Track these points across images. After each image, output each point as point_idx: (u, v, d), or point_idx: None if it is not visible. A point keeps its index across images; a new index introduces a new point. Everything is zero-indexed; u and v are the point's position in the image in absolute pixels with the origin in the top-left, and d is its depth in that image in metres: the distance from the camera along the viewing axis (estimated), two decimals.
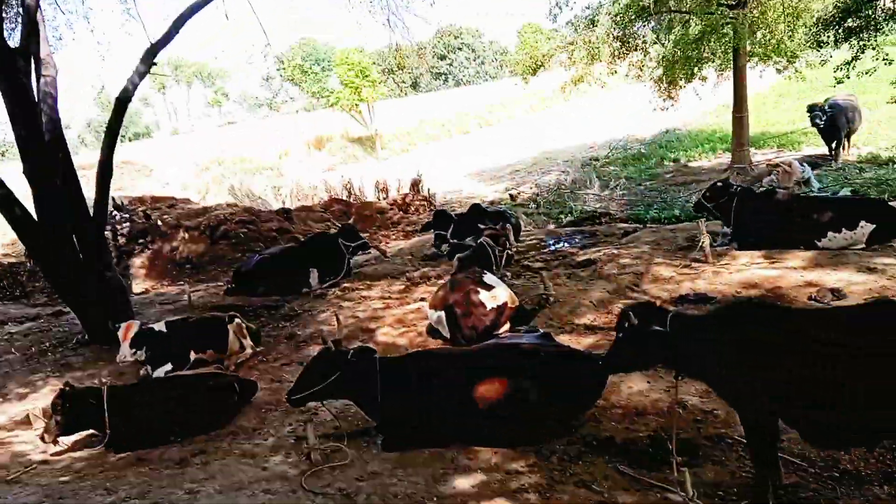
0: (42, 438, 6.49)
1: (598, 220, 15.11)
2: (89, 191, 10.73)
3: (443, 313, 8.61)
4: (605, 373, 5.86)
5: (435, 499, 5.09)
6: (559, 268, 10.68)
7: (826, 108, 16.82)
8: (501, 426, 5.83)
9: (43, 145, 10.05)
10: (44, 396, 8.75)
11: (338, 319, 6.50)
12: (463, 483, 5.35)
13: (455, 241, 12.51)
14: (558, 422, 5.95)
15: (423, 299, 10.61)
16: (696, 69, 18.47)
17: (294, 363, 9.04)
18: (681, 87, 19.72)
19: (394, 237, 17.89)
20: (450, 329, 8.51)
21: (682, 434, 5.66)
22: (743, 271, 8.96)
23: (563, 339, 8.02)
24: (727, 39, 16.98)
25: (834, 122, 16.87)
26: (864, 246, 8.90)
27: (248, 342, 9.55)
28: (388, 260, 13.70)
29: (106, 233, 12.17)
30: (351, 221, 15.60)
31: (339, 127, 44.89)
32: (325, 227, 18.35)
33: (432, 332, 9.15)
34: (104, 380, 8.91)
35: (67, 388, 6.60)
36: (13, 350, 10.66)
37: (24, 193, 10.33)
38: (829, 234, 8.92)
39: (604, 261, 10.42)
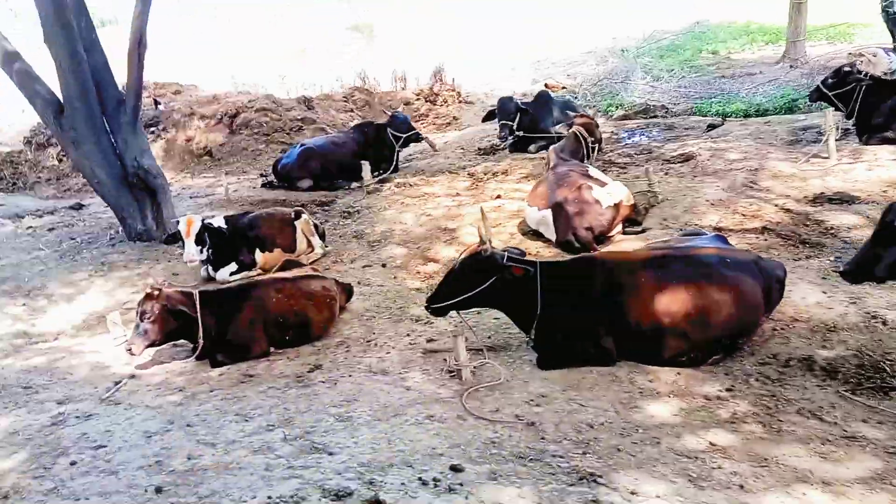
0: (129, 351, 5.53)
1: (654, 114, 13.95)
2: None
3: (548, 212, 7.62)
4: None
5: (639, 430, 4.26)
6: (650, 163, 9.63)
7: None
8: (681, 342, 4.96)
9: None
10: (95, 298, 7.78)
11: (483, 214, 5.43)
12: (660, 411, 4.52)
13: (522, 132, 11.33)
14: (731, 337, 5.10)
15: (498, 196, 9.60)
16: None
17: (374, 264, 8.08)
18: None
19: (425, 129, 16.60)
20: (558, 230, 7.55)
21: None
22: (876, 168, 8.01)
23: None
24: None
25: None
26: None
27: (316, 240, 8.53)
28: (437, 153, 12.53)
29: None
30: (399, 109, 14.17)
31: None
32: (349, 117, 17.02)
33: (529, 233, 8.20)
34: (161, 280, 7.90)
35: (156, 291, 5.59)
36: (41, 246, 9.53)
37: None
38: None
39: (703, 156, 9.39)
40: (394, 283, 7.49)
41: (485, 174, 10.85)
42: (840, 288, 5.82)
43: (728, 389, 4.74)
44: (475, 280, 5.10)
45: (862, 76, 8.81)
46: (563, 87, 17.83)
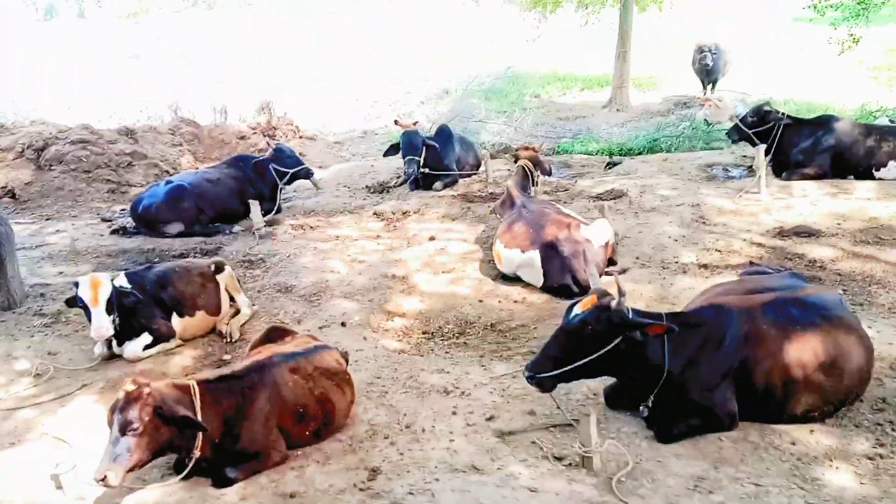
0: (103, 482, 3.65)
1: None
2: None
3: (535, 254, 6.83)
4: None
5: None
6: (576, 201, 9.25)
7: (712, 49, 17.13)
8: (816, 396, 4.40)
9: None
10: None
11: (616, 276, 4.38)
12: (842, 481, 3.91)
13: (427, 169, 10.41)
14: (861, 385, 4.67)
15: (432, 238, 8.60)
16: None
17: (330, 324, 6.63)
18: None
19: None
20: (549, 273, 6.78)
21: None
22: (818, 202, 8.34)
23: (689, 282, 6.76)
24: None
25: (715, 63, 17.29)
26: None
27: (243, 298, 6.87)
28: (321, 191, 11.15)
29: None
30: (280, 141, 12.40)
31: None
32: (178, 151, 14.85)
33: (498, 277, 7.32)
34: (141, 370, 5.80)
35: (144, 387, 3.80)
36: None
37: None
38: (891, 163, 8.64)
39: (633, 192, 9.21)
40: (371, 347, 6.15)
41: (393, 213, 9.76)
42: (879, 321, 5.70)
43: (879, 444, 4.24)
44: (596, 341, 4.11)
45: (780, 115, 9.18)
46: (415, 123, 17.16)
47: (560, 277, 6.68)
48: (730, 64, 18.30)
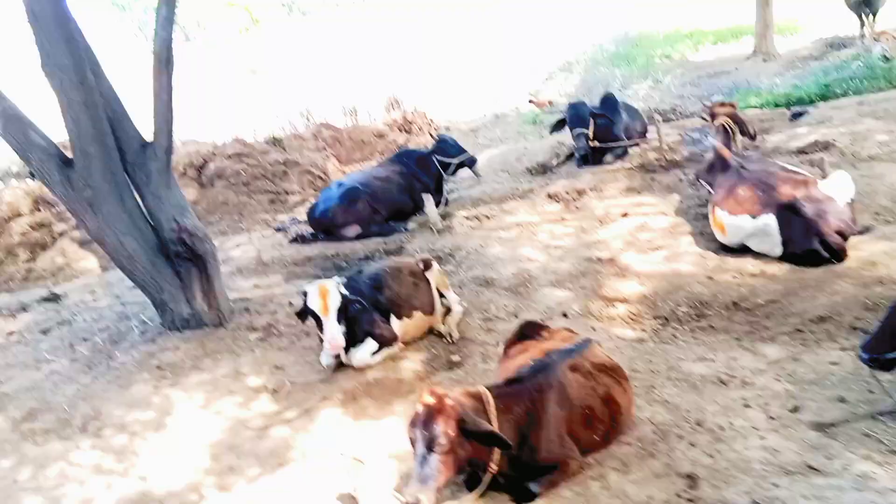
0: None
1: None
2: None
3: (771, 218, 6.11)
4: None
5: None
6: (777, 159, 8.38)
7: None
8: None
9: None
10: (193, 419, 5.40)
11: None
12: None
13: (596, 142, 9.81)
14: None
15: (625, 214, 8.02)
16: None
17: (551, 316, 6.20)
18: None
19: None
20: (791, 239, 6.06)
21: None
22: None
23: None
24: None
25: None
26: None
27: (452, 295, 6.55)
28: (481, 178, 10.78)
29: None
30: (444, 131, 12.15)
31: None
32: (323, 156, 14.91)
33: (724, 250, 6.65)
34: (270, 382, 5.70)
35: (446, 399, 3.49)
36: (48, 356, 6.89)
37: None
38: None
39: (842, 141, 8.26)
40: (606, 338, 5.67)
41: (568, 193, 9.24)
42: None
43: None
44: None
45: None
46: (550, 102, 16.58)
47: (804, 243, 5.96)
48: None
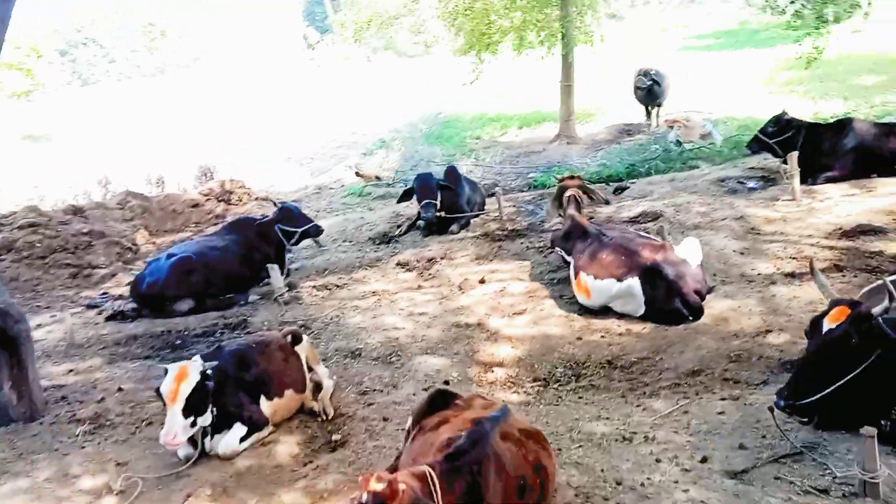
0: None
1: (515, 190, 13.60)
2: None
3: (634, 281, 6.42)
4: None
5: None
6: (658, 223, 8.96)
7: (654, 73, 17.54)
8: None
9: None
10: None
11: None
12: None
13: (443, 212, 9.88)
14: None
15: (482, 281, 8.06)
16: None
17: (434, 383, 5.93)
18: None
19: None
20: (654, 299, 6.37)
21: None
22: (856, 202, 8.43)
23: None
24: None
25: (660, 87, 17.72)
26: None
27: (322, 369, 6.07)
28: (323, 248, 10.39)
29: None
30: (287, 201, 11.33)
31: None
32: (131, 227, 13.68)
33: (586, 312, 6.85)
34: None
35: (394, 485, 3.04)
36: None
37: None
38: None
39: (668, 212, 9.04)
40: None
41: (418, 262, 9.17)
42: None
43: None
44: (855, 357, 3.71)
45: (802, 123, 9.29)
46: (377, 178, 16.64)
47: (667, 303, 6.29)
48: (670, 88, 18.80)
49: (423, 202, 9.75)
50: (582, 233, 7.29)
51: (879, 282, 4.53)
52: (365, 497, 3.06)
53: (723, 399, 5.05)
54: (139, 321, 8.36)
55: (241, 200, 15.92)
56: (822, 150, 9.17)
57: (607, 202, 8.71)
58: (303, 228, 9.42)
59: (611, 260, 6.64)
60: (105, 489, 4.81)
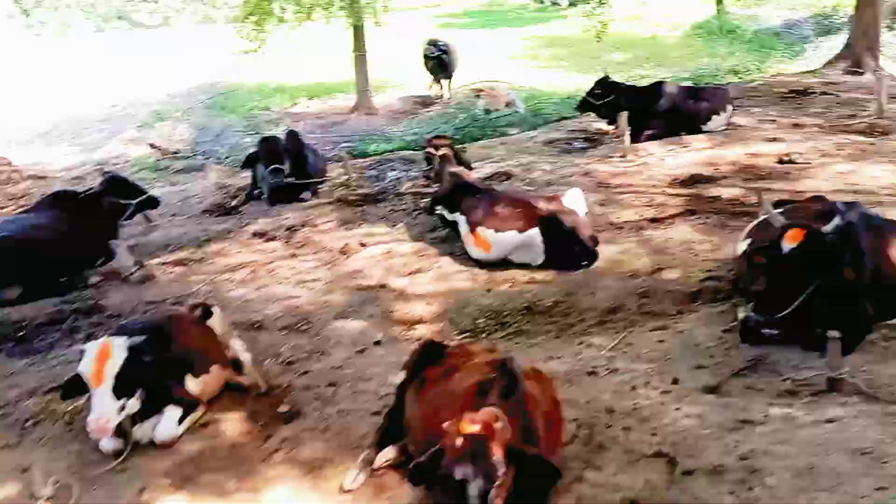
0: None
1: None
2: None
3: (535, 231, 6.69)
4: None
5: None
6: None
7: (442, 45, 18.08)
8: None
9: None
10: None
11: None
12: None
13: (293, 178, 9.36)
14: None
15: (363, 245, 7.87)
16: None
17: (366, 346, 5.72)
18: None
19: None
20: (553, 248, 6.69)
21: None
22: (677, 156, 9.54)
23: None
24: None
25: (450, 57, 18.32)
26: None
27: (238, 343, 5.53)
28: (153, 224, 9.36)
29: None
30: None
31: None
32: None
33: (482, 266, 7.00)
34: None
35: (495, 419, 2.87)
36: None
37: None
38: (713, 117, 10.21)
39: (517, 172, 9.51)
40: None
41: (276, 230, 8.66)
42: None
43: None
44: (810, 274, 4.26)
45: (622, 86, 10.21)
46: (175, 152, 15.23)
47: (565, 249, 6.64)
48: (458, 60, 19.45)
49: (269, 167, 9.12)
50: (470, 189, 7.37)
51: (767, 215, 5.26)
52: (460, 441, 2.91)
53: (654, 329, 5.50)
54: None
55: (10, 180, 13.63)
56: (639, 111, 10.17)
57: (470, 166, 8.89)
58: (137, 200, 8.37)
59: (508, 212, 6.83)
60: (27, 498, 3.96)
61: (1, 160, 14.08)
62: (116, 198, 8.24)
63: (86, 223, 7.98)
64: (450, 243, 7.64)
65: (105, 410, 4.11)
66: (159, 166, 14.64)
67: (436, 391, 3.85)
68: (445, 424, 3.02)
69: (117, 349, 4.21)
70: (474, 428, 2.92)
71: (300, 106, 21.25)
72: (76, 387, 4.26)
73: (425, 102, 19.47)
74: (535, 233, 6.66)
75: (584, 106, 10.66)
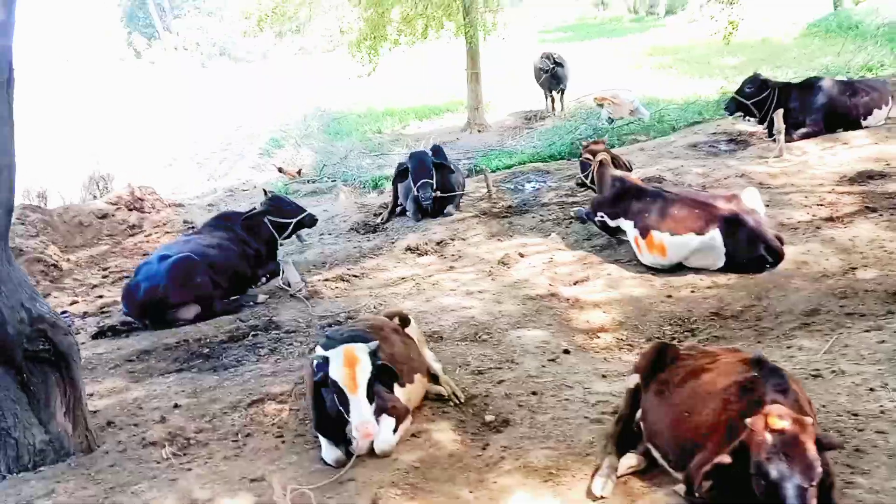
0: None
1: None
2: None
3: (715, 232, 6.43)
4: None
5: None
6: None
7: (557, 58, 17.98)
8: None
9: None
10: None
11: None
12: None
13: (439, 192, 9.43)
14: None
15: (521, 255, 7.79)
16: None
17: (555, 354, 5.61)
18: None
19: (155, 240, 12.67)
20: (736, 249, 6.42)
21: None
22: (837, 154, 9.04)
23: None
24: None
25: (563, 71, 18.19)
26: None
27: (429, 353, 5.54)
28: (306, 242, 9.62)
29: None
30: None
31: None
32: (40, 242, 12.00)
33: (653, 272, 6.78)
34: None
35: None
36: None
37: None
38: (875, 112, 9.66)
39: (668, 177, 9.24)
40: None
41: (427, 245, 8.71)
42: None
43: None
44: None
45: (774, 83, 9.81)
46: (300, 172, 15.74)
47: (749, 251, 6.34)
48: (570, 72, 19.30)
49: (419, 182, 9.22)
50: (637, 192, 7.18)
51: None
52: (770, 438, 2.75)
53: (868, 331, 5.14)
54: (136, 334, 7.25)
55: (153, 208, 14.43)
56: (793, 108, 9.74)
57: (630, 168, 8.71)
58: (297, 219, 8.62)
59: (685, 215, 6.60)
60: None
61: (147, 189, 14.94)
62: (276, 217, 8.51)
63: (250, 243, 8.31)
64: (612, 250, 7.49)
65: (366, 416, 4.13)
66: (289, 189, 15.11)
67: (685, 393, 3.69)
68: (749, 421, 2.87)
69: (362, 354, 4.25)
70: (784, 423, 2.76)
71: (411, 127, 21.61)
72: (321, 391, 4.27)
73: (535, 117, 19.47)
74: (715, 234, 6.41)
75: (735, 105, 10.25)
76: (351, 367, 4.16)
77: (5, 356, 4.64)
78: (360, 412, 4.12)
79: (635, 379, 4.03)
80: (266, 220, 8.46)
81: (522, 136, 17.10)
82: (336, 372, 4.15)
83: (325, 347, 4.60)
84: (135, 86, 37.11)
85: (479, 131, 18.95)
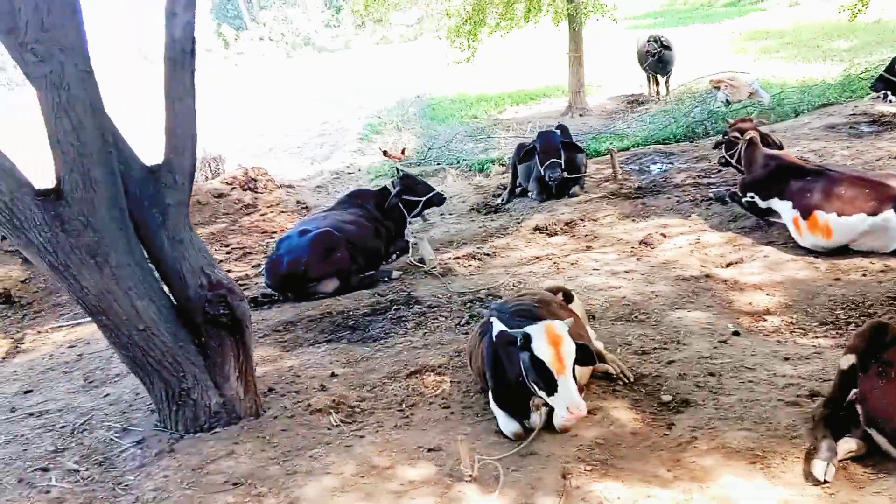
0: None
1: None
2: None
3: (890, 214, 6.01)
4: None
5: None
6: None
7: (663, 40, 17.43)
8: None
9: None
10: None
11: None
12: None
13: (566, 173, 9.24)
14: None
15: (664, 235, 7.53)
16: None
17: (725, 336, 5.35)
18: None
19: (271, 222, 12.93)
20: None
21: None
22: None
23: None
24: None
25: (670, 53, 17.62)
26: None
27: (590, 330, 5.38)
28: (429, 221, 9.60)
29: None
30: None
31: None
32: None
33: (813, 254, 6.41)
34: None
35: None
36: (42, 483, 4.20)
37: None
38: None
39: (812, 158, 8.74)
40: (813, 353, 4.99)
41: (556, 225, 8.54)
42: None
43: None
44: None
45: None
46: (403, 152, 15.77)
47: None
48: (676, 55, 18.71)
49: (547, 162, 9.04)
50: (797, 171, 6.81)
51: None
52: None
53: None
54: (277, 306, 7.38)
55: (266, 188, 14.78)
56: None
57: (781, 146, 8.29)
58: (426, 197, 8.60)
59: (854, 193, 6.21)
60: (446, 476, 3.99)
61: (259, 170, 15.32)
62: (409, 195, 8.51)
63: (382, 219, 8.35)
64: (762, 231, 7.16)
65: (576, 397, 3.99)
66: (395, 173, 15.19)
67: None
68: None
69: (564, 333, 4.12)
70: None
71: (508, 112, 21.43)
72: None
73: (637, 101, 19.02)
74: (889, 215, 6.00)
75: (883, 84, 9.65)
76: (556, 346, 4.03)
77: (187, 319, 4.76)
78: (570, 393, 3.99)
79: (850, 359, 3.77)
80: (398, 198, 8.47)
81: (628, 119, 16.69)
82: (542, 351, 4.02)
83: (501, 320, 4.52)
84: (225, 76, 38.22)
85: (581, 115, 18.61)
